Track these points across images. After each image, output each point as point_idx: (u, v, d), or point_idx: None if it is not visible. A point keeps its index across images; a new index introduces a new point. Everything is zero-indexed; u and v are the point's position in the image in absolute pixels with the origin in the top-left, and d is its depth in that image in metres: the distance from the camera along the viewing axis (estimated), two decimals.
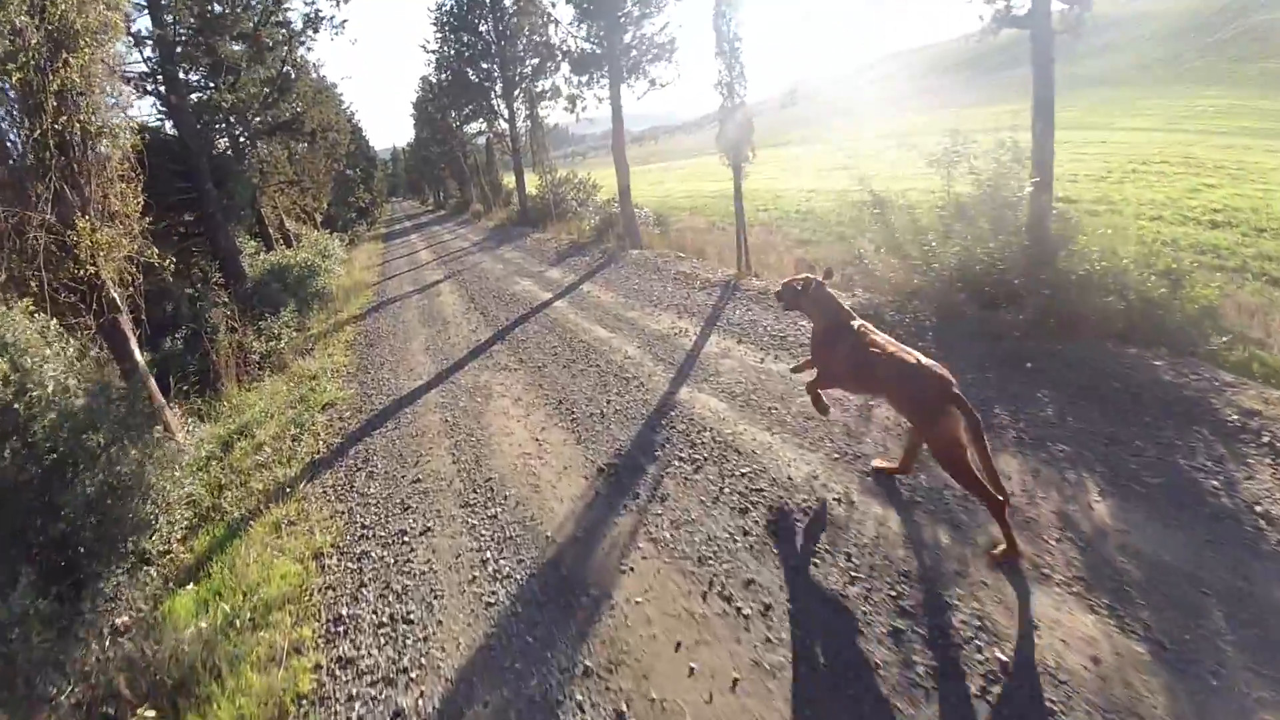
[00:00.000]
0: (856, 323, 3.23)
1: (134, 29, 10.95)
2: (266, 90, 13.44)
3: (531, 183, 20.90)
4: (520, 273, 11.94)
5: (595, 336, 7.28)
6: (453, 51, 20.98)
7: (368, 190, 39.39)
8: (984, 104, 68.18)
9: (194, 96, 12.32)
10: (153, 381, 5.53)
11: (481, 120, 21.42)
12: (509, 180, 32.84)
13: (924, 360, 2.82)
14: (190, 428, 6.19)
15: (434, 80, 35.70)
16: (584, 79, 11.98)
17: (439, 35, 21.80)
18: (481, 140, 36.65)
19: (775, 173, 31.98)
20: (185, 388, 7.31)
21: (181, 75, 11.66)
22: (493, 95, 20.73)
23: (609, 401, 5.26)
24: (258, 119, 14.98)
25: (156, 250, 5.38)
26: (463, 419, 5.50)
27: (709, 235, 16.26)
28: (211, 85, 12.61)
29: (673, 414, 4.76)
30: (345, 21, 13.49)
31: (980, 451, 2.63)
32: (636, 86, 11.47)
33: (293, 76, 15.56)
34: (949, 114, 54.90)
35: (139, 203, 5.25)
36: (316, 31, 13.37)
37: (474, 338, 8.08)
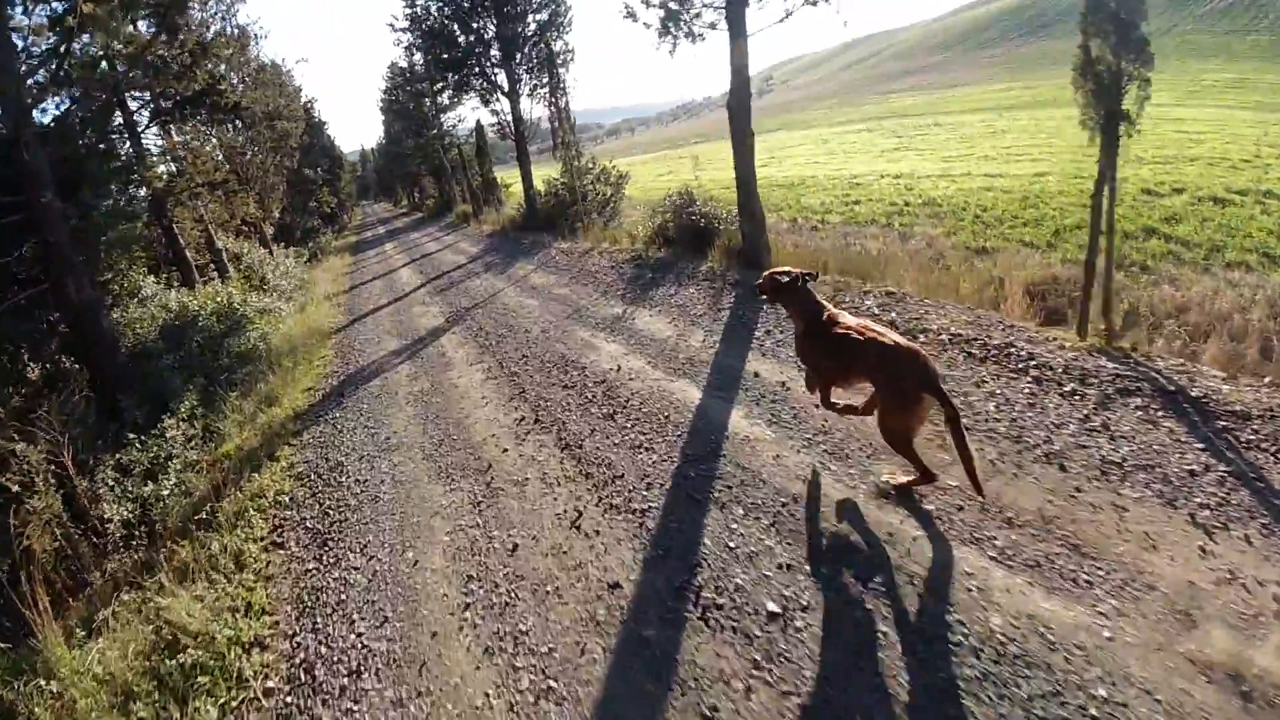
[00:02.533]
0: (825, 313, 3.17)
1: None
2: (154, 33, 8.49)
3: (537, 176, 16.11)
4: (580, 317, 7.19)
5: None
6: (434, 7, 15.99)
7: (333, 193, 34.03)
8: (965, 85, 65.13)
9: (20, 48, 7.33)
10: None
11: (473, 96, 16.49)
12: (506, 175, 27.81)
13: (902, 342, 2.87)
14: None
15: (405, 65, 30.60)
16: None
17: None
18: (464, 129, 31.62)
19: (806, 156, 27.48)
20: None
21: None
22: (487, 62, 15.81)
23: None
24: (154, 90, 9.99)
25: None
26: None
27: (856, 240, 11.66)
28: (55, 29, 7.60)
29: None
30: None
31: (956, 436, 2.74)
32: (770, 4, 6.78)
33: (208, 32, 10.60)
34: (940, 95, 51.22)
35: None
36: None
37: (601, 554, 3.38)
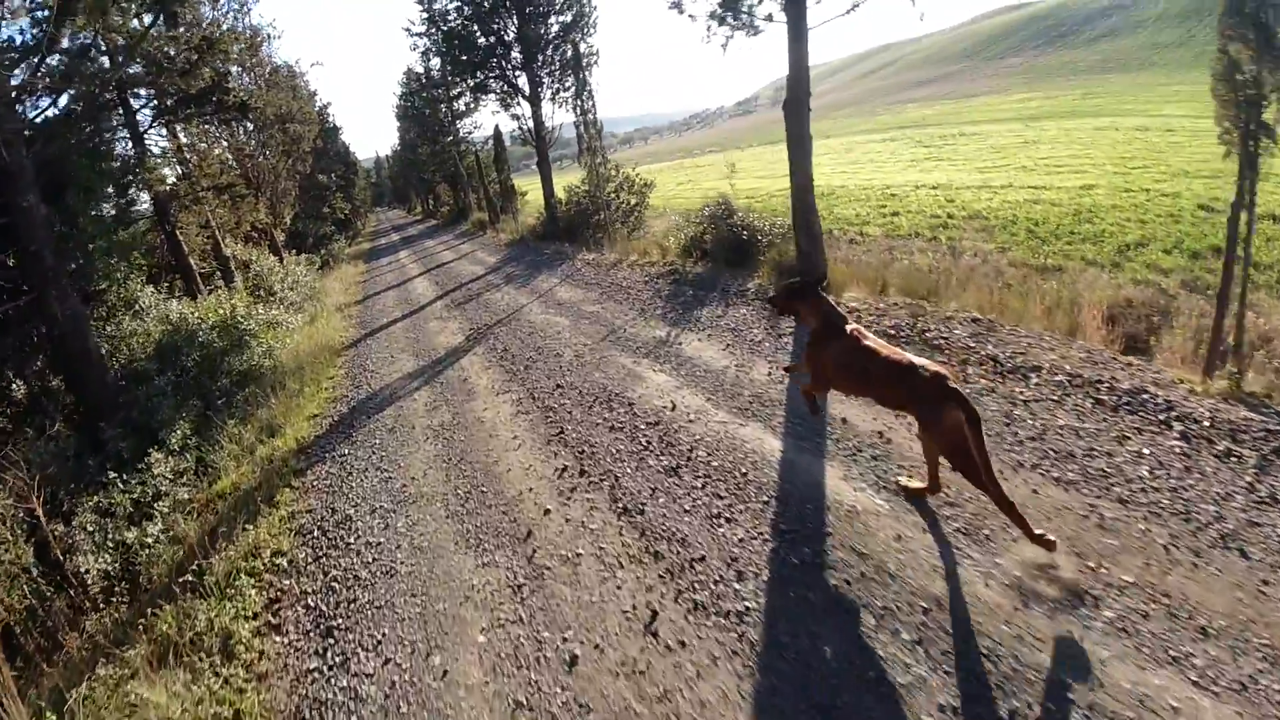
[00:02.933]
0: (850, 326, 3.15)
1: None
2: (152, 22, 7.87)
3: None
4: (618, 340, 6.44)
5: None
6: (452, 8, 15.41)
7: (347, 199, 33.61)
8: (986, 94, 64.08)
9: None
10: None
11: (491, 100, 15.87)
12: (523, 183, 27.20)
13: (917, 360, 2.85)
14: None
15: (421, 70, 30.19)
16: None
17: None
18: (480, 135, 31.13)
19: (831, 165, 26.69)
20: None
21: None
22: (507, 65, 15.19)
23: None
24: (157, 87, 9.39)
25: None
26: None
27: (901, 254, 10.86)
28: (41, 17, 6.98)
29: None
30: None
31: (976, 442, 2.61)
32: None
33: (220, 27, 9.99)
34: (959, 105, 50.32)
35: None
36: None
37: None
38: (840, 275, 7.04)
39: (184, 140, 12.02)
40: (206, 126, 11.99)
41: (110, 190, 8.34)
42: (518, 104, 15.26)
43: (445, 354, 7.40)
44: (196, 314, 8.44)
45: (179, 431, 5.86)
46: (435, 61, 29.34)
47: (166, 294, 9.57)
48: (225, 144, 15.19)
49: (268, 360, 8.08)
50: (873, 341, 3.06)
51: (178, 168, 11.56)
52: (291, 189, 17.30)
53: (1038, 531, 2.56)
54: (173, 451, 5.66)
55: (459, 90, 29.82)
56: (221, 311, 8.47)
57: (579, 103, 11.98)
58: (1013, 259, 11.37)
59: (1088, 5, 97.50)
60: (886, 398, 3.01)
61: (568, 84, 14.99)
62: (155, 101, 9.87)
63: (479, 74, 15.46)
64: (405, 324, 9.67)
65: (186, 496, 5.20)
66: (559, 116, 15.63)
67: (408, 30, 21.90)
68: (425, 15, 17.90)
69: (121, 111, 9.88)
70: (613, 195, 14.07)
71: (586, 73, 12.18)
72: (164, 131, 11.58)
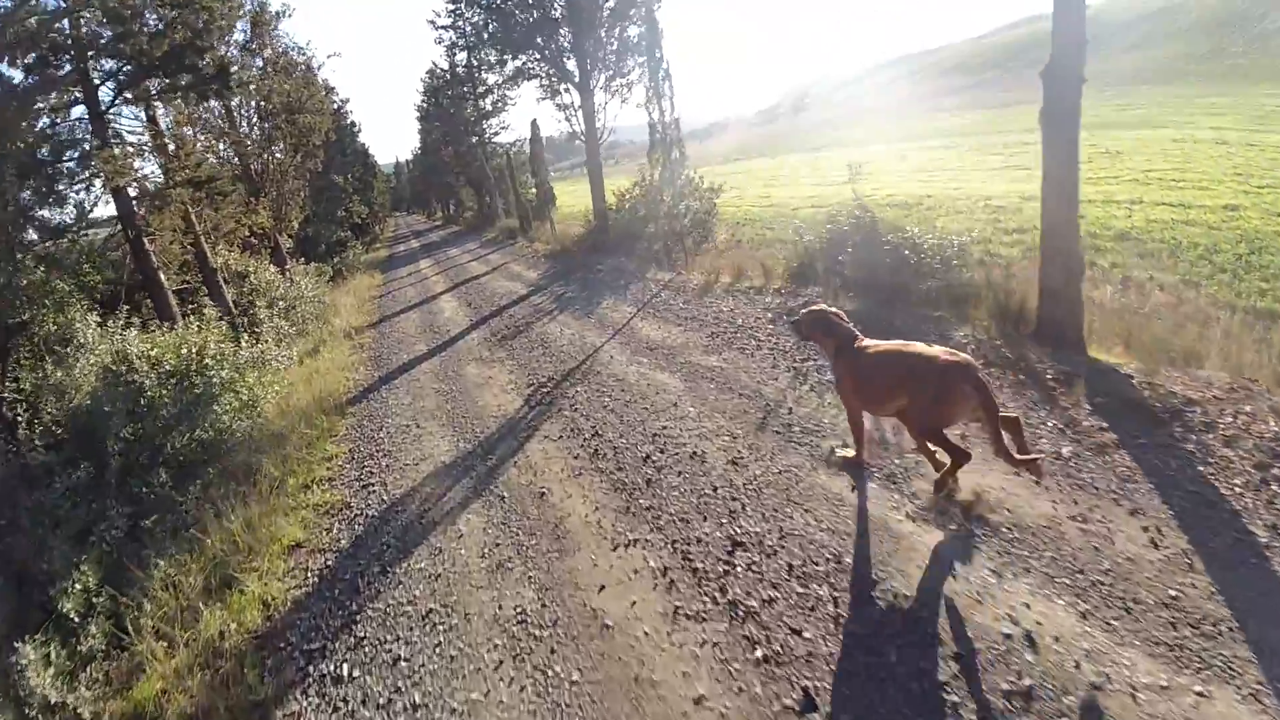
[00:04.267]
0: (862, 341, 3.16)
1: None
2: None
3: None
4: (788, 427, 3.94)
5: None
6: None
7: (364, 202, 31.51)
8: (1025, 104, 61.00)
9: None
10: None
11: (534, 87, 13.55)
12: (565, 186, 24.68)
13: (929, 350, 2.84)
14: None
15: (445, 66, 28.03)
16: None
17: None
18: (507, 138, 28.88)
19: (893, 173, 23.87)
20: None
21: None
22: (555, 45, 12.84)
23: None
24: (120, 55, 7.12)
25: None
26: None
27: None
28: None
29: None
30: None
31: (991, 420, 2.62)
32: None
33: None
34: (1002, 113, 47.31)
35: None
36: None
37: None
38: (1116, 332, 4.55)
39: (166, 126, 9.78)
40: (192, 110, 9.74)
41: (38, 184, 6.02)
42: (565, 91, 12.90)
43: (498, 430, 4.96)
44: (154, 352, 6.05)
45: (79, 585, 3.47)
46: (461, 56, 27.26)
47: (125, 322, 7.21)
48: (224, 136, 13.03)
49: (243, 421, 5.70)
50: (886, 346, 3.06)
51: (156, 159, 9.30)
52: (301, 189, 15.05)
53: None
54: (67, 628, 3.29)
55: (486, 87, 27.71)
56: (187, 349, 6.09)
57: (653, 86, 9.55)
58: (1211, 296, 8.79)
59: (1117, 16, 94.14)
60: (909, 394, 2.84)
61: (625, 70, 12.63)
62: (120, 71, 7.58)
63: (520, 55, 13.13)
64: (432, 366, 7.26)
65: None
66: (617, 110, 13.20)
67: (432, 23, 19.78)
68: (452, 6, 15.72)
69: (79, 90, 7.62)
70: (685, 203, 11.68)
71: (659, 49, 9.75)
72: (141, 116, 9.35)
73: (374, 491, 4.33)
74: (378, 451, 5.02)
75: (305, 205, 17.90)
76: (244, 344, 7.16)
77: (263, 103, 13.65)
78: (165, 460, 4.69)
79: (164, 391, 5.23)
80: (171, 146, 9.11)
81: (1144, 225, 12.10)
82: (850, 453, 3.35)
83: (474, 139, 27.87)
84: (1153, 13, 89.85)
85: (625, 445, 4.18)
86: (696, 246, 11.30)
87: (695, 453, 3.87)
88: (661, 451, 3.98)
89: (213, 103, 13.04)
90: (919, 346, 2.90)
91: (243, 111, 13.63)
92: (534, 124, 16.23)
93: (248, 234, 13.08)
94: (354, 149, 30.50)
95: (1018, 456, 2.62)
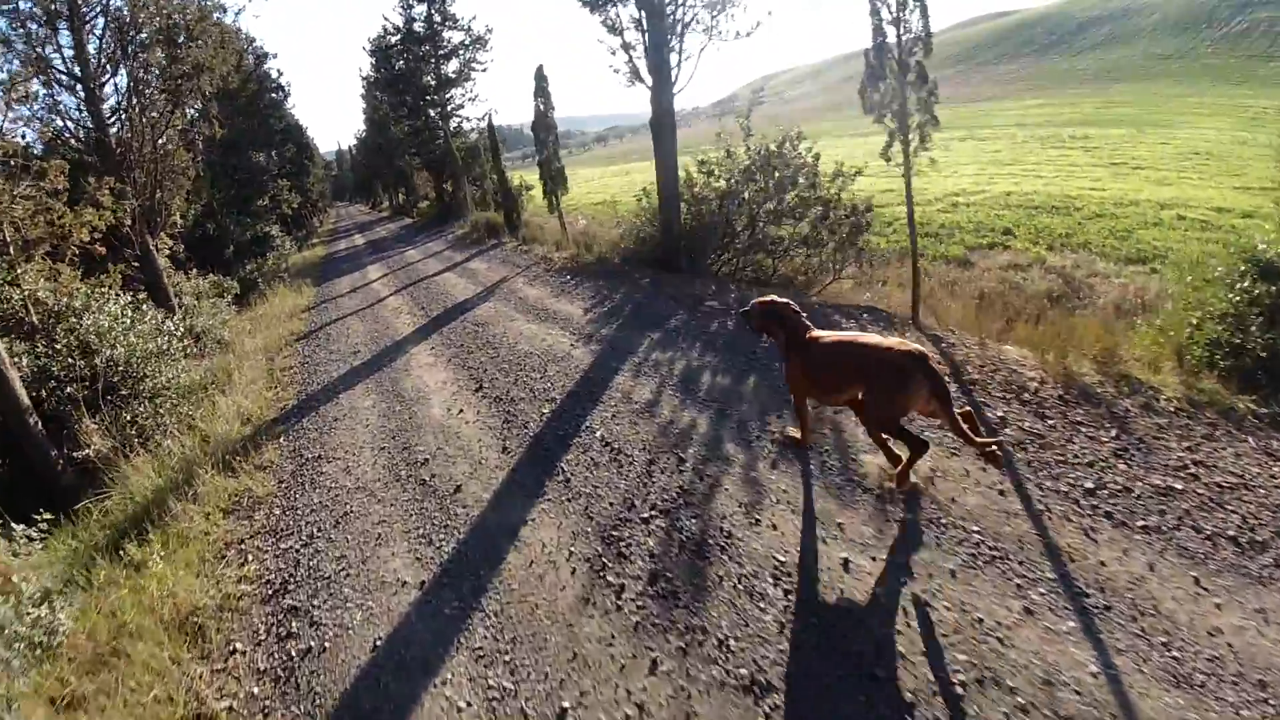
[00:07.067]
0: (813, 333, 3.17)
1: None
2: None
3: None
4: None
5: None
6: None
7: (298, 190, 25.72)
8: (1005, 99, 59.10)
9: None
10: None
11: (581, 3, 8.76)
12: (518, 173, 19.50)
13: (883, 341, 2.89)
14: None
15: (400, 21, 22.57)
16: None
17: None
18: (476, 111, 23.69)
19: (884, 169, 20.05)
20: None
21: None
22: None
23: None
24: None
25: None
26: None
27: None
28: None
29: None
30: None
31: (945, 410, 2.70)
32: None
33: None
34: (972, 109, 44.80)
35: None
36: None
37: None
38: None
39: None
40: None
41: None
42: (619, 5, 8.20)
43: None
44: None
45: None
46: (420, 9, 21.95)
47: None
48: (56, 78, 7.97)
49: None
50: (838, 336, 3.17)
51: None
52: (188, 166, 9.85)
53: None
54: None
55: (450, 48, 22.48)
56: None
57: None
58: None
59: (1080, 14, 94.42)
60: (865, 381, 2.90)
61: None
62: None
63: None
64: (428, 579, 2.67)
65: None
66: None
67: None
68: None
69: None
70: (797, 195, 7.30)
71: None
72: None
73: None
74: None
75: (204, 190, 12.61)
76: None
77: (126, 27, 8.58)
78: None
79: None
80: None
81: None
82: (796, 433, 3.48)
83: (434, 112, 22.62)
84: (1115, 12, 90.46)
85: None
86: (839, 270, 7.00)
87: None
88: None
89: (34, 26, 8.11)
90: (872, 337, 2.98)
91: (93, 37, 8.49)
92: (539, 69, 11.30)
93: (88, 238, 7.89)
94: (283, 122, 24.69)
95: (978, 440, 2.71)
